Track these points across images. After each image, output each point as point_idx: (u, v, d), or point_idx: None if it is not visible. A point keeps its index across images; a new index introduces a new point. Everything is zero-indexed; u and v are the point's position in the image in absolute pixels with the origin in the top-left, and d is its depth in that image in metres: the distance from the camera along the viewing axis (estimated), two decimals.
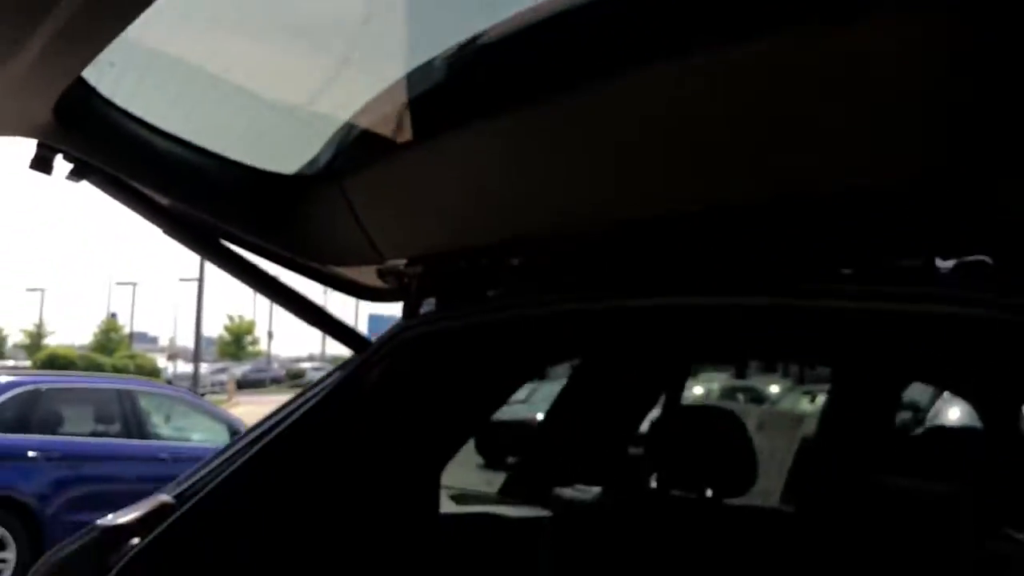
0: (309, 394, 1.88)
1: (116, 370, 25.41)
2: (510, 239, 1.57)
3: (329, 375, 1.91)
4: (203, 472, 1.79)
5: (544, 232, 1.49)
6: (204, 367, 33.79)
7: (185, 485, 1.78)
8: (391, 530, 1.96)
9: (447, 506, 2.22)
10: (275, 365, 45.90)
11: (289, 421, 1.81)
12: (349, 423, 1.83)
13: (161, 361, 40.40)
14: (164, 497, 1.77)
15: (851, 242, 1.22)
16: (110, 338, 47.91)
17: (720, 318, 1.49)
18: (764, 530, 1.92)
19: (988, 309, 1.01)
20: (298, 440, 1.78)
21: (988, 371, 1.89)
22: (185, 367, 37.08)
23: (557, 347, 1.96)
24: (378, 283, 1.89)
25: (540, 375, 2.30)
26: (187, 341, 41.10)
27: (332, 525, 1.85)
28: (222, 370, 38.41)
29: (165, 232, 1.77)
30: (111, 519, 1.72)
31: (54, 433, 7.74)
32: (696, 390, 9.84)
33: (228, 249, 1.82)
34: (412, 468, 1.98)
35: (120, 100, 1.54)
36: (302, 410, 1.83)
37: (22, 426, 7.66)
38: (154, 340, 59.60)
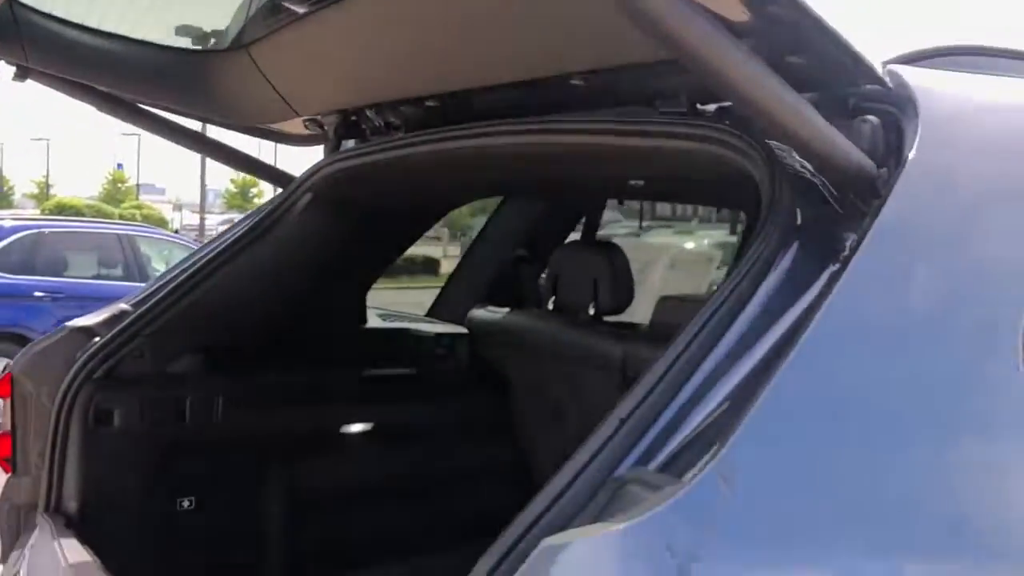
0: (250, 218, 2.20)
1: (123, 219, 25.80)
2: (393, 98, 1.86)
3: (268, 202, 2.24)
4: (157, 284, 2.13)
5: (411, 93, 1.78)
6: (211, 218, 34.22)
7: (140, 296, 2.13)
8: (321, 335, 2.33)
9: (375, 322, 2.59)
10: None
11: (231, 239, 2.14)
12: (282, 240, 2.15)
13: (168, 212, 40.77)
14: (123, 305, 2.13)
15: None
16: (117, 189, 48.14)
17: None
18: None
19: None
20: (238, 253, 2.11)
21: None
22: (192, 218, 37.51)
23: (454, 183, 2.24)
24: (304, 131, 2.19)
25: (453, 206, 2.60)
26: (194, 193, 41.43)
27: (265, 323, 2.21)
28: (228, 221, 38.87)
29: (101, 109, 2.06)
30: (78, 321, 2.08)
31: (59, 275, 8.15)
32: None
33: (159, 116, 2.13)
34: (338, 283, 2.32)
35: (47, 7, 1.80)
36: (242, 229, 2.16)
37: (28, 268, 8.07)
38: (161, 191, 59.80)
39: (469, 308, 2.67)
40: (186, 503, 2.14)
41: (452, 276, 2.97)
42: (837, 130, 1.01)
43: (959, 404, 1.01)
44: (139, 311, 2.05)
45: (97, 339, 2.02)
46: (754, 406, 0.87)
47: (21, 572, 1.84)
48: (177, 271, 2.14)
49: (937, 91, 1.16)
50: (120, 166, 50.80)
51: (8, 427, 2.05)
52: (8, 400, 2.05)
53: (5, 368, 2.06)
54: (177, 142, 2.18)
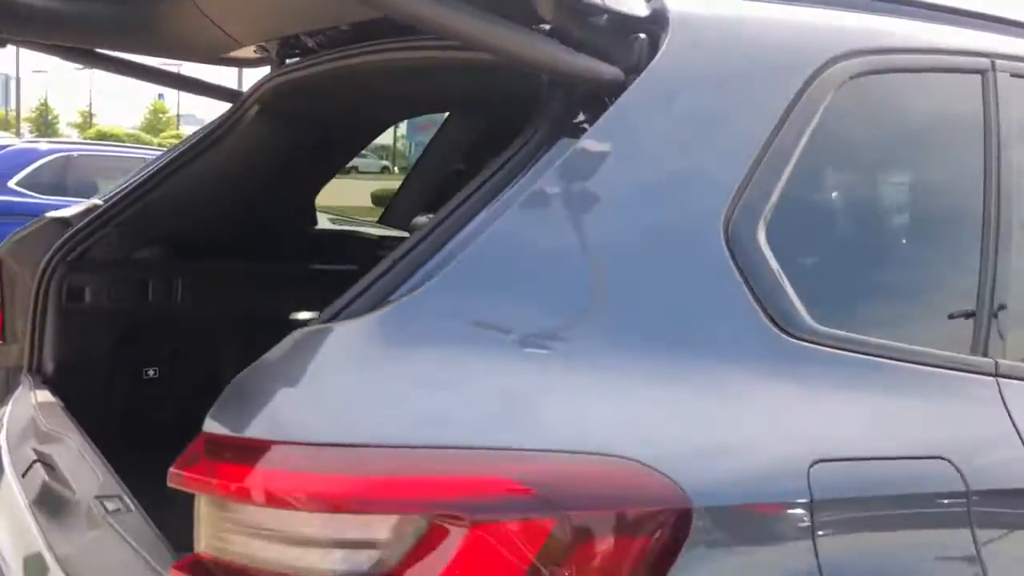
0: (207, 127, 2.51)
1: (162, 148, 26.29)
2: (320, 26, 2.13)
3: (222, 114, 2.54)
4: (125, 184, 2.46)
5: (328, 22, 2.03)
6: None
7: (114, 192, 2.46)
8: (273, 233, 2.65)
9: (325, 225, 2.91)
10: None
11: (190, 144, 2.45)
12: (233, 147, 2.45)
13: None
14: (96, 200, 2.46)
15: None
16: (158, 119, 48.68)
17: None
18: None
19: None
20: (195, 158, 2.42)
21: None
22: None
23: (374, 96, 2.49)
24: (253, 54, 2.47)
25: (387, 119, 2.86)
26: None
27: (221, 220, 2.53)
28: None
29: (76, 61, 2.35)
30: (56, 212, 2.42)
31: (87, 197, 8.53)
32: None
33: (135, 62, 2.42)
34: (288, 186, 2.63)
35: None
36: (200, 136, 2.47)
37: (59, 189, 8.48)
38: (201, 122, 60.24)
39: (415, 216, 2.98)
40: (151, 372, 2.50)
41: (401, 187, 3.27)
42: (578, 51, 1.28)
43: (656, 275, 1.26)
44: (108, 205, 2.38)
45: (72, 228, 2.36)
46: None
47: (4, 416, 2.21)
48: (143, 173, 2.47)
49: (692, 12, 1.41)
50: (161, 97, 51.32)
51: None
52: None
53: None
54: (153, 81, 2.48)
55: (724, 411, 1.18)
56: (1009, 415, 1.44)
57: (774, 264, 1.29)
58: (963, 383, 1.43)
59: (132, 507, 1.54)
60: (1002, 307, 1.52)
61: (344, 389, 1.07)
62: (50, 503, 1.67)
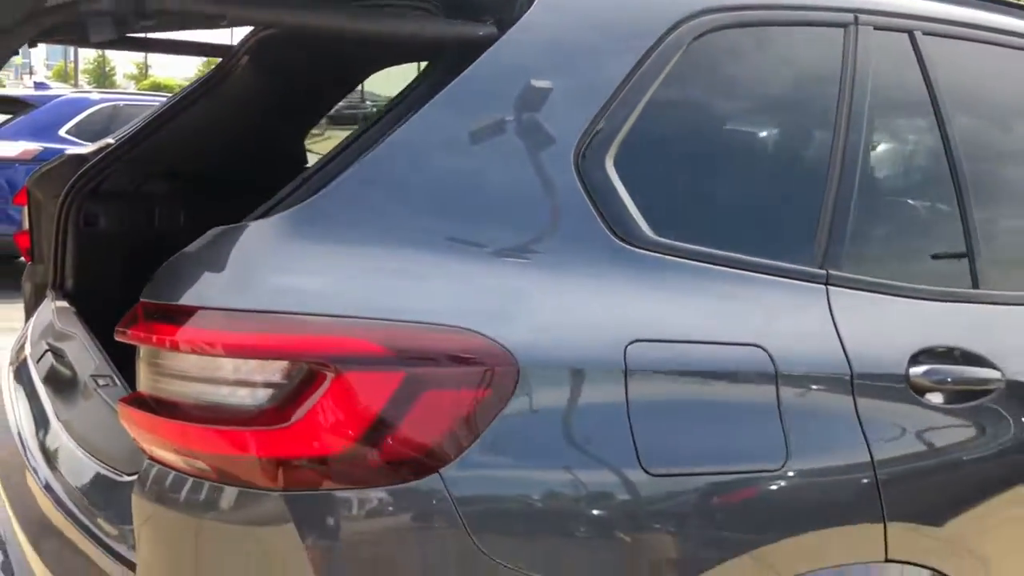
0: (204, 76, 2.85)
1: None
2: None
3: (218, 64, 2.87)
4: (135, 126, 2.81)
5: None
6: None
7: (124, 133, 2.82)
8: (268, 171, 2.98)
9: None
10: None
11: (189, 91, 2.79)
12: (227, 93, 2.78)
13: None
14: (110, 139, 2.82)
15: None
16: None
17: None
18: None
19: None
20: (193, 103, 2.76)
21: None
22: None
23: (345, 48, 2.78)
24: None
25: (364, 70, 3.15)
26: None
27: (220, 159, 2.88)
28: None
29: None
30: (74, 150, 2.79)
31: None
32: None
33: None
34: (280, 129, 2.97)
35: None
36: (197, 84, 2.80)
37: (106, 137, 8.95)
38: None
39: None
40: None
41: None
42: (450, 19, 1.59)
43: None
44: (118, 144, 2.74)
45: (87, 163, 2.72)
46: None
47: (31, 323, 2.60)
48: (150, 117, 2.81)
49: None
50: None
51: (28, 227, 2.80)
52: (26, 208, 2.78)
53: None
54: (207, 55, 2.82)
55: (558, 297, 1.49)
56: (832, 318, 1.72)
57: (619, 186, 1.59)
58: (792, 288, 1.71)
59: (118, 383, 1.91)
60: (838, 224, 1.79)
61: (250, 269, 1.40)
62: (56, 381, 2.06)
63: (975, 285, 1.94)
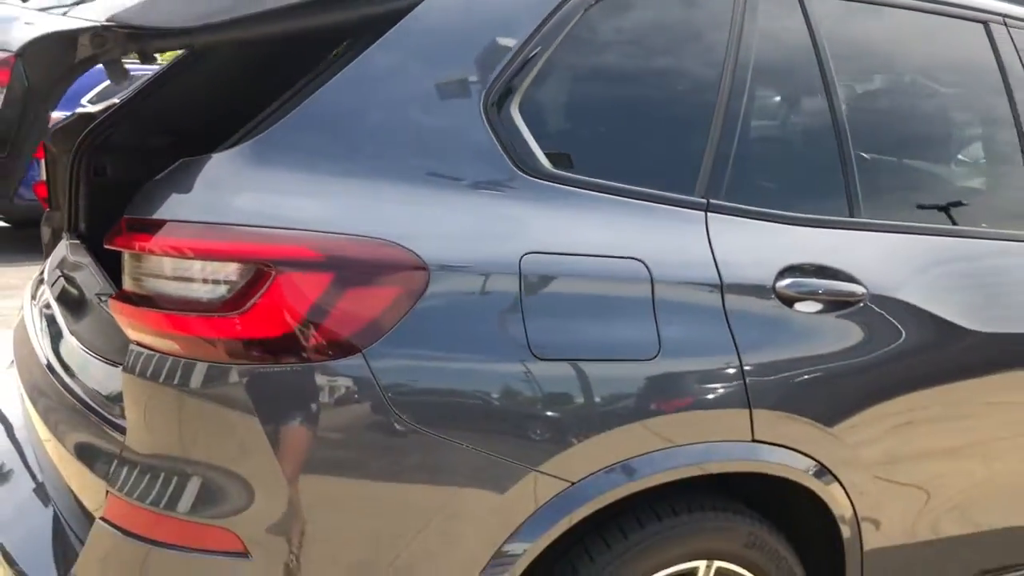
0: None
1: None
2: None
3: None
4: (137, 87, 3.16)
5: None
6: None
7: (128, 93, 3.17)
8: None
9: None
10: None
11: (182, 57, 3.13)
12: (207, 68, 3.11)
13: None
14: (115, 99, 3.18)
15: None
16: None
17: None
18: None
19: None
20: (185, 70, 3.10)
21: None
22: None
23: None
24: None
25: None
26: None
27: (211, 116, 3.22)
28: None
29: None
30: (84, 108, 3.14)
31: None
32: None
33: None
34: (256, 94, 3.29)
35: None
36: (187, 52, 3.14)
37: None
38: None
39: None
40: None
41: None
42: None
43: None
44: (122, 103, 3.09)
45: (95, 120, 3.07)
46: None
47: (49, 261, 2.97)
48: (152, 77, 3.16)
49: None
50: None
51: (45, 178, 3.16)
52: (43, 161, 3.15)
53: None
54: None
55: (465, 217, 1.82)
56: (708, 238, 2.05)
57: (523, 127, 1.92)
58: (674, 214, 2.04)
59: None
60: (720, 160, 2.11)
61: (211, 189, 1.75)
62: (66, 298, 2.44)
63: (850, 214, 2.25)
